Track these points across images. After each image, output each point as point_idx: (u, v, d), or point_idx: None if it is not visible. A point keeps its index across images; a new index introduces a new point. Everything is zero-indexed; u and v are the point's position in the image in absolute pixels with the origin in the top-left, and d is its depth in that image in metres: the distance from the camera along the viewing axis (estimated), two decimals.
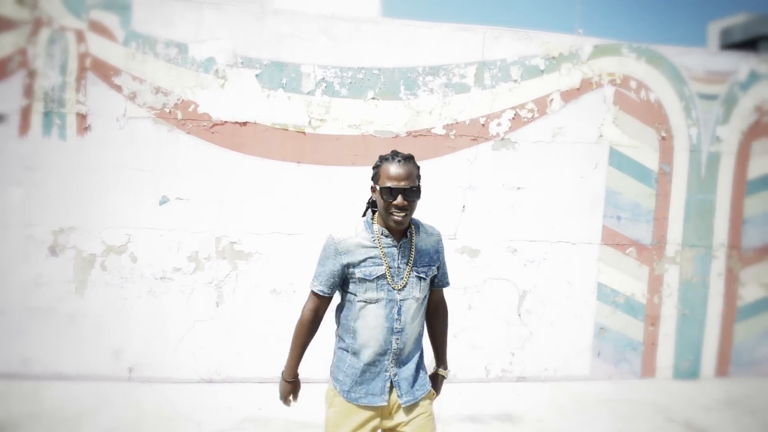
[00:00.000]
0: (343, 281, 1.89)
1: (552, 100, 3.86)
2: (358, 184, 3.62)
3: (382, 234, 1.89)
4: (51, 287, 3.42)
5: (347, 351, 1.92)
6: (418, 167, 1.86)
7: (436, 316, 2.03)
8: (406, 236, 1.91)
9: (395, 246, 1.89)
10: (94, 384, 3.40)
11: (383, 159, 1.88)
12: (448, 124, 3.77)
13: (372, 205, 1.95)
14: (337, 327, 1.96)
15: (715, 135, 4.07)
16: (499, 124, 3.81)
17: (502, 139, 3.81)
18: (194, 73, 3.46)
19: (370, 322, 1.88)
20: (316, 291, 1.92)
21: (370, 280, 1.88)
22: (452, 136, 3.77)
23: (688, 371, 4.06)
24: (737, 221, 4.11)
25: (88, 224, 3.44)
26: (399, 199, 1.83)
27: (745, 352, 4.15)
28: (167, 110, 3.45)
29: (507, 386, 3.82)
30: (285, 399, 2.05)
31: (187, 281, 3.52)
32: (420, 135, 3.74)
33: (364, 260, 1.88)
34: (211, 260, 3.54)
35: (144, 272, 3.48)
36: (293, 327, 1.94)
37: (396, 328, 1.88)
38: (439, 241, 1.98)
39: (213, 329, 3.56)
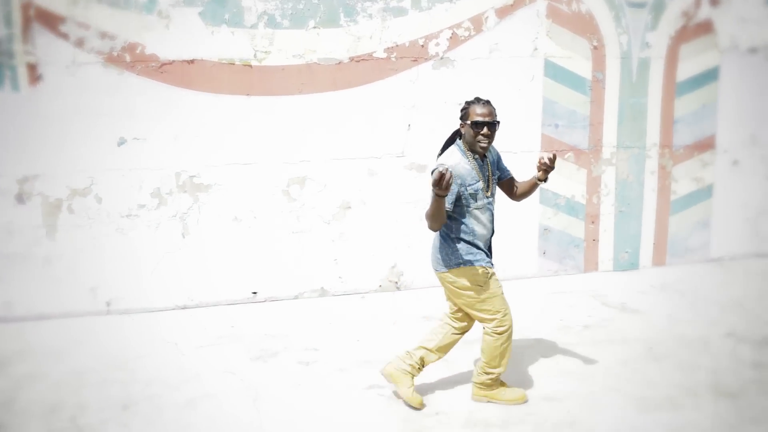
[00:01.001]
0: (457, 197, 2.96)
1: (487, 17, 4.60)
2: (306, 112, 4.34)
3: (473, 158, 3.06)
4: (22, 233, 4.14)
5: (470, 244, 3.11)
6: (495, 108, 3.03)
7: (518, 185, 3.42)
8: (485, 156, 3.11)
9: (482, 165, 3.10)
10: (76, 320, 4.18)
11: (470, 103, 3.07)
12: (388, 48, 4.49)
13: (452, 140, 3.18)
14: (452, 229, 3.13)
15: (645, 41, 4.89)
16: (437, 44, 4.55)
17: (441, 58, 4.56)
18: (138, 15, 4.10)
19: (483, 221, 3.12)
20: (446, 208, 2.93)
21: (477, 193, 3.04)
22: (393, 59, 4.50)
23: (627, 263, 5.02)
24: (668, 122, 4.99)
25: (52, 171, 4.13)
26: (485, 130, 2.99)
27: (679, 242, 5.13)
28: (115, 54, 4.11)
29: None
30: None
31: (152, 217, 4.28)
32: (362, 60, 4.46)
33: (470, 179, 3.01)
34: (173, 195, 4.29)
35: (110, 212, 4.22)
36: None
37: (493, 220, 3.18)
38: (497, 153, 3.27)
39: (182, 259, 4.36)
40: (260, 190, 4.52)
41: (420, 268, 4.81)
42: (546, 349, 3.80)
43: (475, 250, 3.08)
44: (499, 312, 3.10)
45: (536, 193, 4.94)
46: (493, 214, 3.14)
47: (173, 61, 4.30)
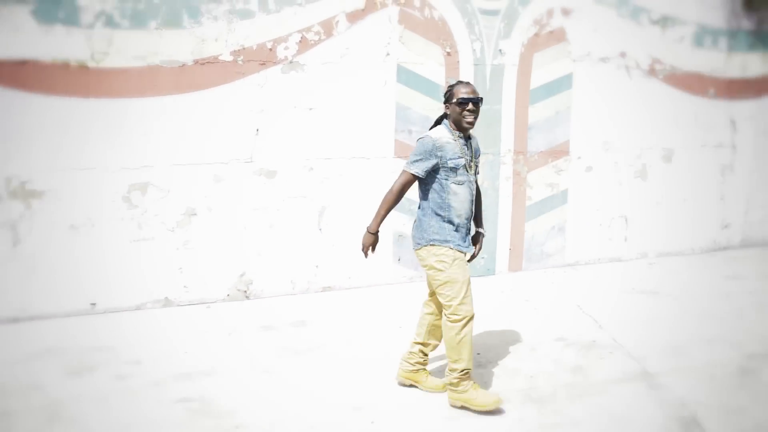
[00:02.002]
0: (434, 170, 3.55)
1: (338, 21, 5.18)
2: (148, 115, 4.81)
3: (459, 136, 3.63)
4: None
5: (444, 220, 3.59)
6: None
7: (477, 196, 3.88)
8: (469, 138, 3.71)
9: (466, 144, 3.67)
10: None
11: (452, 85, 3.67)
12: (235, 50, 5.01)
13: (438, 122, 3.76)
14: (429, 204, 3.65)
15: (498, 49, 5.59)
16: (286, 48, 5.10)
17: (291, 62, 5.10)
18: None
19: (461, 197, 3.60)
20: (413, 172, 3.60)
21: (458, 168, 3.57)
22: (240, 62, 5.01)
23: (483, 269, 5.72)
24: (522, 128, 5.72)
25: None
26: (470, 105, 3.57)
27: (535, 248, 5.89)
28: None
29: (311, 297, 5.24)
30: (366, 249, 3.75)
31: None
32: (208, 63, 4.95)
33: (453, 153, 3.56)
34: (3, 201, 4.64)
35: None
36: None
37: (472, 200, 3.68)
38: (479, 144, 3.90)
39: (12, 270, 4.69)
40: (99, 197, 4.95)
41: (271, 275, 5.35)
42: (370, 354, 4.44)
43: (447, 229, 3.59)
44: (455, 299, 3.51)
45: None
46: (473, 194, 3.68)
47: (2, 61, 4.60)
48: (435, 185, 3.60)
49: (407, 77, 5.76)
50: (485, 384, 4.03)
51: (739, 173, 7.20)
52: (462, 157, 3.58)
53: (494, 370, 4.25)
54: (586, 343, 4.67)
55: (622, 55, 6.45)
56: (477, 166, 3.76)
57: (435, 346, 3.93)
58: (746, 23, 6.93)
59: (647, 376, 4.15)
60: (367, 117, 5.67)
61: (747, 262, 6.83)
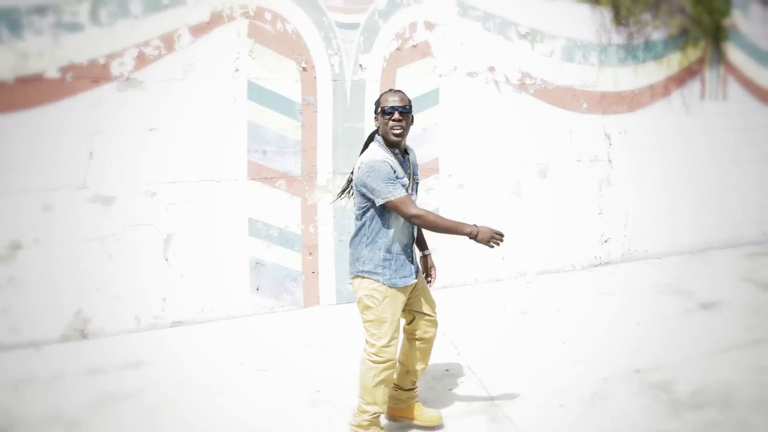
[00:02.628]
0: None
1: (180, 35, 4.84)
2: None
3: (395, 152, 3.33)
4: None
5: (379, 248, 3.26)
6: (409, 99, 3.40)
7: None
8: (407, 153, 3.42)
9: (404, 162, 3.37)
10: None
11: (381, 94, 3.39)
12: (63, 67, 4.60)
13: (371, 138, 3.46)
14: (364, 231, 3.30)
15: (359, 63, 5.29)
16: (122, 64, 4.73)
17: (128, 79, 4.75)
18: None
19: (402, 221, 3.29)
20: (405, 194, 3.19)
21: (404, 188, 3.24)
22: (69, 79, 4.58)
23: (352, 295, 5.38)
24: None
25: None
26: (396, 115, 3.26)
27: None
28: None
29: (159, 333, 4.83)
30: (496, 236, 3.33)
31: None
32: (31, 80, 4.49)
33: (400, 174, 3.27)
34: None
35: None
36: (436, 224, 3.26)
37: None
38: (416, 156, 3.60)
39: None
40: None
41: (112, 312, 5.03)
42: (198, 398, 4.18)
43: (378, 259, 3.28)
44: (381, 339, 3.28)
45: (244, 224, 5.25)
46: None
47: None
48: (375, 209, 3.28)
49: (260, 94, 5.46)
50: (320, 423, 3.75)
51: (617, 187, 7.20)
52: (404, 177, 3.29)
53: (336, 405, 3.95)
54: (438, 374, 4.44)
55: (491, 69, 6.33)
56: (417, 184, 3.49)
57: (422, 371, 3.69)
58: (616, 37, 6.96)
59: (492, 408, 3.98)
60: (216, 137, 5.35)
61: (625, 277, 6.83)
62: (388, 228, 3.28)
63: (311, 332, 5.25)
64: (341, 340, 5.05)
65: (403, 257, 3.35)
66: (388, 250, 3.29)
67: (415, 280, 3.44)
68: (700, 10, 7.27)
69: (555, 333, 5.22)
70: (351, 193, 3.52)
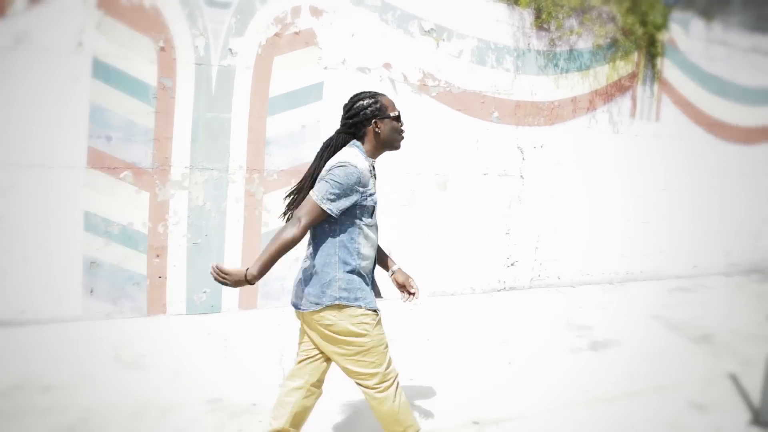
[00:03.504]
0: (347, 211, 2.78)
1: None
2: None
3: (372, 164, 2.91)
4: None
5: (354, 272, 2.84)
6: None
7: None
8: (374, 167, 2.96)
9: (374, 173, 2.93)
10: None
11: (376, 94, 2.95)
12: None
13: (342, 142, 2.94)
14: (333, 251, 2.82)
15: (228, 48, 4.73)
16: None
17: None
18: None
19: (371, 241, 2.91)
20: (326, 209, 2.72)
21: (374, 207, 2.87)
22: None
23: (206, 305, 4.84)
24: (258, 142, 4.90)
25: None
26: (402, 122, 2.97)
27: (275, 282, 5.03)
28: None
29: None
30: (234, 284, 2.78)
31: None
32: None
33: (372, 188, 2.85)
34: None
35: None
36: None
37: (377, 240, 2.99)
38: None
39: None
40: None
41: None
42: None
43: (356, 283, 2.85)
44: (382, 365, 2.93)
45: (80, 217, 4.72)
46: (377, 236, 3.00)
47: None
48: (343, 228, 2.82)
49: (107, 73, 4.90)
50: None
51: (529, 205, 6.65)
52: (375, 193, 2.88)
53: None
54: (242, 407, 3.86)
55: (387, 66, 5.77)
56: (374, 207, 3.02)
57: None
58: (536, 42, 6.42)
59: None
60: (52, 117, 4.78)
61: (525, 305, 6.32)
62: (360, 248, 2.86)
63: (137, 344, 4.66)
64: (164, 357, 4.47)
65: (370, 279, 2.97)
66: (360, 273, 2.87)
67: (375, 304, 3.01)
68: (633, 21, 6.72)
69: (409, 366, 4.61)
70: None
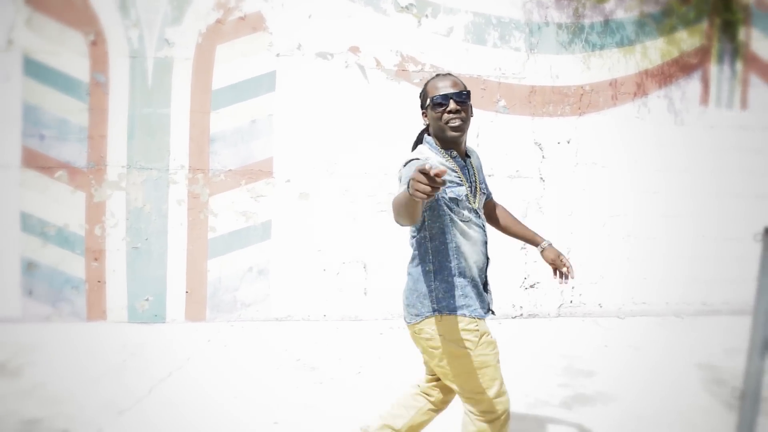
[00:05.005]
0: (429, 207, 2.51)
1: None
2: None
3: (452, 155, 2.59)
4: None
5: (453, 275, 2.55)
6: (465, 85, 2.60)
7: (503, 213, 2.97)
8: (468, 156, 2.67)
9: (465, 167, 2.62)
10: None
11: (427, 82, 2.62)
12: None
13: (419, 141, 2.70)
14: (428, 256, 2.55)
15: (165, 38, 4.53)
16: None
17: None
18: None
19: (473, 238, 2.57)
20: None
21: (460, 200, 2.55)
22: None
23: (149, 314, 4.60)
24: (202, 139, 4.64)
25: None
26: (452, 104, 2.51)
27: (225, 293, 4.68)
28: None
29: None
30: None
31: None
32: None
33: (450, 181, 2.54)
34: None
35: None
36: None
37: (486, 240, 2.66)
38: (479, 157, 2.82)
39: None
40: None
41: None
42: None
43: (463, 288, 2.56)
44: (490, 389, 2.56)
45: (16, 218, 4.69)
46: (486, 234, 2.67)
47: None
48: (434, 228, 2.53)
49: (38, 71, 4.84)
50: None
51: (551, 214, 5.59)
52: (462, 185, 2.55)
53: None
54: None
55: (354, 50, 5.09)
56: (484, 195, 2.72)
57: None
58: (556, 14, 5.33)
59: None
60: None
61: (544, 336, 5.18)
62: (456, 245, 2.54)
63: (49, 349, 4.45)
64: (50, 366, 4.19)
65: (479, 285, 2.61)
66: (463, 274, 2.56)
67: (486, 315, 2.68)
68: None
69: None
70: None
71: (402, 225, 2.27)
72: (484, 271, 2.63)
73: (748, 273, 5.95)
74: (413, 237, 2.60)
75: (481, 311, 2.55)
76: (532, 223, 5.44)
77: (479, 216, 2.62)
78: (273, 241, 5.16)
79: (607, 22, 5.44)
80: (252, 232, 5.15)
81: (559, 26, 5.40)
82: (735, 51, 5.65)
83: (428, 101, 2.54)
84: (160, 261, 5.06)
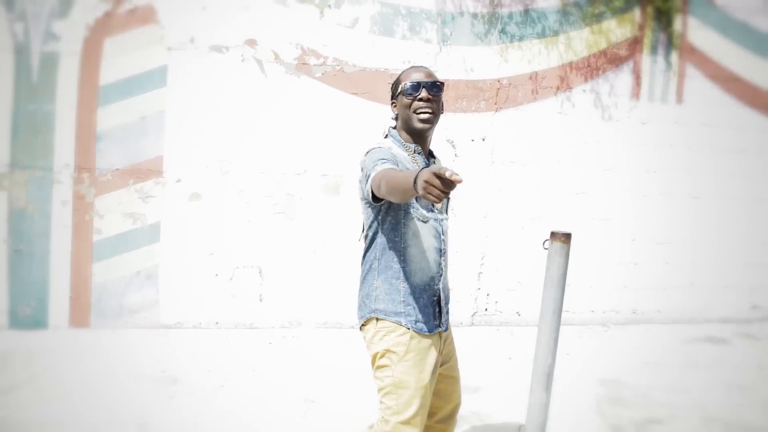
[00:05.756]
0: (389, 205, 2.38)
1: None
2: None
3: (415, 151, 2.46)
4: None
5: (399, 278, 2.38)
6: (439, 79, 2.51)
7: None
8: (432, 156, 2.55)
9: (427, 165, 2.47)
10: None
11: (401, 73, 2.51)
12: None
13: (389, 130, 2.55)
14: (376, 255, 2.40)
15: (50, 31, 4.36)
16: None
17: None
18: None
19: (424, 243, 2.40)
20: (386, 168, 2.18)
21: (419, 199, 2.38)
22: None
23: (30, 319, 4.40)
24: (88, 137, 4.53)
25: None
26: (423, 93, 2.39)
27: (110, 299, 4.47)
28: None
29: None
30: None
31: None
32: None
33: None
34: None
35: None
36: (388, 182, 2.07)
37: (442, 249, 2.47)
38: (441, 163, 2.68)
39: None
40: None
41: None
42: None
43: (406, 294, 2.37)
44: (399, 414, 2.33)
45: None
46: (442, 240, 2.45)
47: None
48: (386, 225, 2.37)
49: None
50: None
51: (465, 216, 5.13)
52: None
53: None
54: None
55: (251, 43, 4.87)
56: (448, 200, 2.54)
57: None
58: (472, 4, 5.02)
59: None
60: None
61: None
62: (405, 245, 2.36)
63: None
64: None
65: (428, 295, 2.40)
66: (408, 279, 2.37)
67: (443, 329, 2.48)
68: None
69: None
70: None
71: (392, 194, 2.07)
72: (436, 281, 2.40)
73: (681, 279, 5.51)
74: (366, 230, 2.44)
75: (422, 325, 2.33)
76: None
77: (440, 223, 2.42)
78: (162, 244, 4.90)
79: (527, 12, 5.12)
80: (140, 235, 4.89)
81: (475, 16, 5.10)
82: (670, 41, 5.28)
83: (399, 88, 2.43)
84: (42, 265, 4.83)
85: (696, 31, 5.37)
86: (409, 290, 2.34)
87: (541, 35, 5.18)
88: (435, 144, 5.14)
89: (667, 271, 5.45)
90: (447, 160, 5.13)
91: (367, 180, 2.24)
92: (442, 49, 5.11)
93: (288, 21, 4.97)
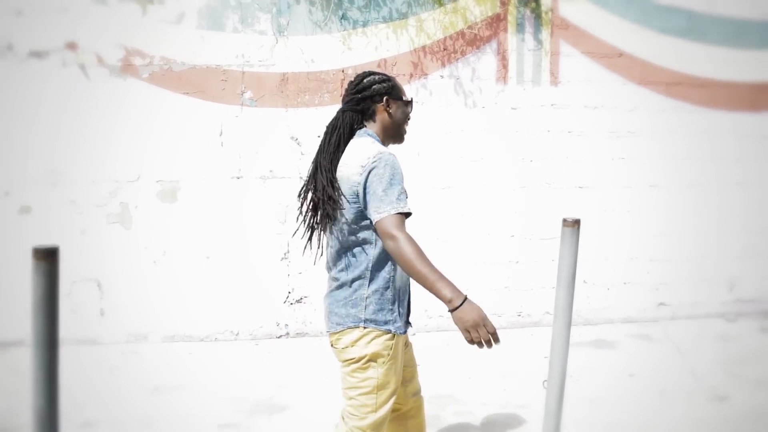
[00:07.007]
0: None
1: None
2: None
3: None
4: None
5: (387, 287, 2.42)
6: None
7: None
8: None
9: None
10: None
11: (393, 80, 2.58)
12: None
13: (349, 134, 2.50)
14: (364, 262, 2.40)
15: None
16: None
17: None
18: None
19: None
20: (407, 212, 2.30)
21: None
22: None
23: None
24: None
25: None
26: (410, 114, 2.67)
27: None
28: None
29: None
30: (489, 332, 2.23)
31: None
32: None
33: None
34: None
35: None
36: (412, 262, 2.17)
37: None
38: None
39: None
40: None
41: None
42: None
43: (389, 302, 2.42)
44: (376, 413, 2.42)
45: None
46: None
47: None
48: (375, 234, 2.36)
49: None
50: None
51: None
52: None
53: None
54: None
55: (71, 46, 4.67)
56: None
57: None
58: None
59: None
60: None
61: (315, 356, 4.47)
62: (388, 256, 2.41)
63: None
64: None
65: (407, 297, 2.55)
66: (394, 287, 2.44)
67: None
68: None
69: None
70: (332, 214, 2.40)
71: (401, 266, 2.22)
72: (409, 285, 2.52)
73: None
74: (346, 243, 2.39)
75: (401, 325, 2.45)
76: (290, 230, 4.78)
77: None
78: None
79: None
80: None
81: (312, 3, 4.71)
82: (538, 17, 4.74)
83: (401, 96, 2.56)
84: None
85: (568, 5, 4.81)
86: (397, 297, 2.44)
87: (388, 19, 4.75)
88: (277, 141, 4.85)
89: (554, 268, 4.96)
90: (292, 159, 4.80)
91: (388, 209, 2.20)
92: (279, 40, 4.75)
93: (109, 21, 4.70)
